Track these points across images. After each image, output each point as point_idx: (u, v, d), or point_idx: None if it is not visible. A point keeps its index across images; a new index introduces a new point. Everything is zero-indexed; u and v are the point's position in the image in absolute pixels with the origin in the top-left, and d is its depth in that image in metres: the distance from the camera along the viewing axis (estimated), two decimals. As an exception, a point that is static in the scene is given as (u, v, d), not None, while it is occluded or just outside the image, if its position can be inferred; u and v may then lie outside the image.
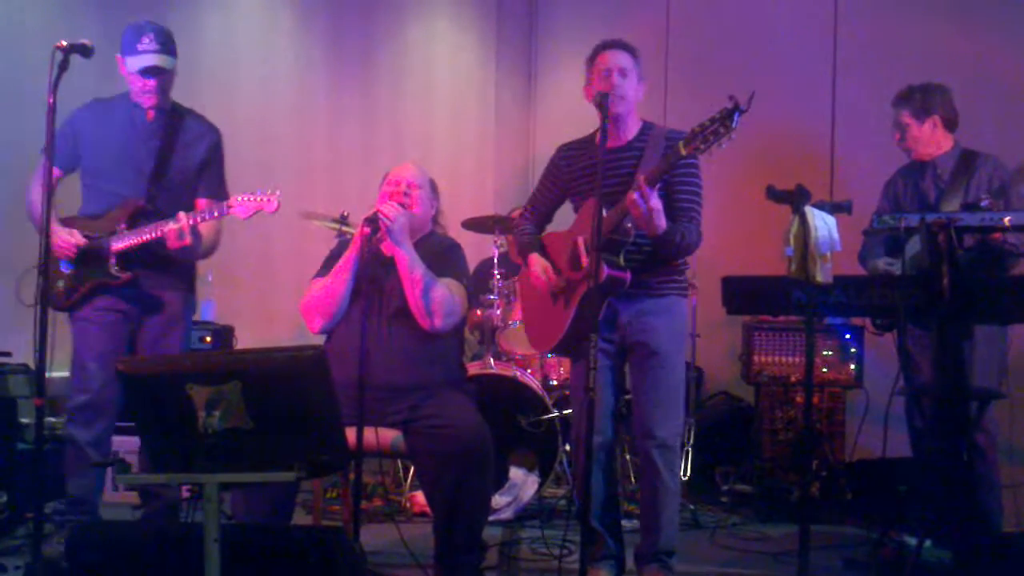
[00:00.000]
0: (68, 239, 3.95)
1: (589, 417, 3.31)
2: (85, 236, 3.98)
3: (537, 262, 3.88)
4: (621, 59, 3.73)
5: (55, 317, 3.63)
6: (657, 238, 3.54)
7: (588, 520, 3.50)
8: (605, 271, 3.50)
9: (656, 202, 3.44)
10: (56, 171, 4.01)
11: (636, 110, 3.81)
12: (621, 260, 3.59)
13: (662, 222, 3.47)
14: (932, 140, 4.33)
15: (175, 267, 4.11)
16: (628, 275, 3.59)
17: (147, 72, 3.96)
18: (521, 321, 5.16)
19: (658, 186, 3.50)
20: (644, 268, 3.67)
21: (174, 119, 4.12)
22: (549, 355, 5.08)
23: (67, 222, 4.04)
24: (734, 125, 3.17)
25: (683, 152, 3.32)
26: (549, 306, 3.87)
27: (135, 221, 3.97)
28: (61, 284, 4.02)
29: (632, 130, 3.79)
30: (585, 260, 3.60)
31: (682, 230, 3.61)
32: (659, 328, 3.72)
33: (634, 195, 3.41)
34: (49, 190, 3.49)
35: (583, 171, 3.82)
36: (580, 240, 3.65)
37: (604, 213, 3.43)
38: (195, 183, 4.07)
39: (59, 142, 3.95)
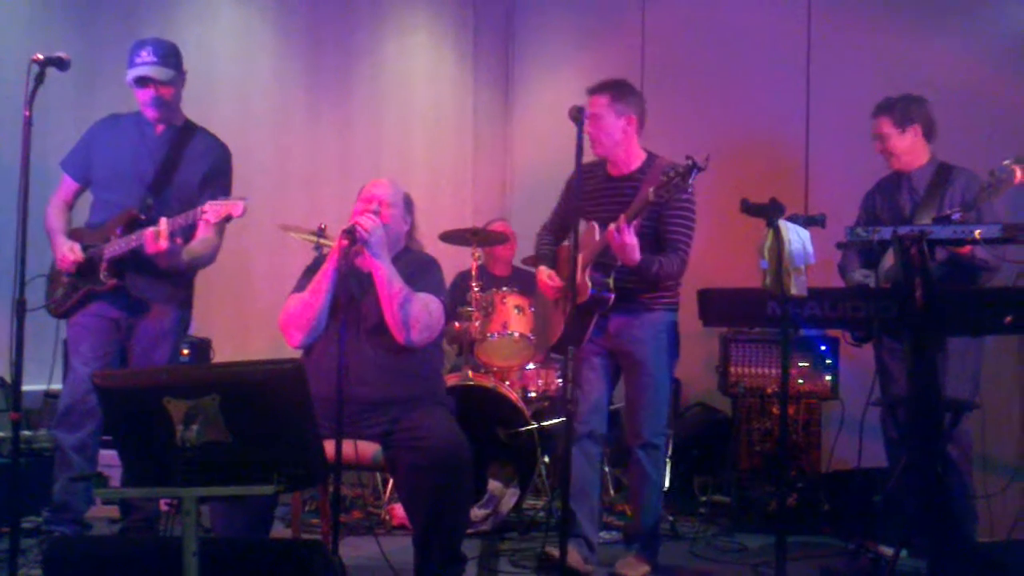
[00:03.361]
0: (68, 256, 4.02)
1: (569, 426, 3.62)
2: (84, 247, 4.04)
3: (543, 271, 4.28)
4: (593, 104, 4.07)
5: (34, 329, 3.63)
6: (633, 268, 3.90)
7: (567, 500, 3.68)
8: (589, 291, 3.90)
9: (630, 238, 3.81)
10: (74, 184, 4.26)
11: (632, 142, 4.13)
12: (611, 282, 3.92)
13: (636, 255, 3.85)
14: (913, 150, 4.36)
15: (171, 280, 4.13)
16: (611, 296, 3.92)
17: (139, 82, 4.07)
18: (500, 333, 5.19)
19: (644, 218, 3.90)
20: (635, 286, 4.02)
21: (183, 134, 4.20)
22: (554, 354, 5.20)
23: (73, 234, 4.13)
24: (691, 180, 3.65)
25: (651, 199, 3.76)
26: (553, 310, 4.30)
27: (129, 229, 4.01)
28: (60, 292, 4.11)
29: (635, 162, 4.14)
30: (579, 277, 3.87)
31: (660, 260, 3.96)
32: (644, 339, 4.08)
33: (612, 229, 3.81)
34: (24, 200, 3.51)
35: (588, 194, 4.13)
36: (579, 257, 3.90)
37: (598, 237, 3.94)
38: (197, 197, 4.06)
39: (76, 154, 4.17)
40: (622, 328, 4.08)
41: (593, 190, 4.16)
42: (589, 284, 3.91)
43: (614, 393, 4.42)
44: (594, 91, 4.11)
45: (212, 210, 3.84)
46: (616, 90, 4.10)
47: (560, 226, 4.38)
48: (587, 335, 4.06)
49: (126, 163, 4.14)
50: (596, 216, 4.05)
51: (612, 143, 4.10)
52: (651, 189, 3.73)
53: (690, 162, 3.58)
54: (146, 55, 4.06)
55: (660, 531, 4.31)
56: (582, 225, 4.13)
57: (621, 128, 4.09)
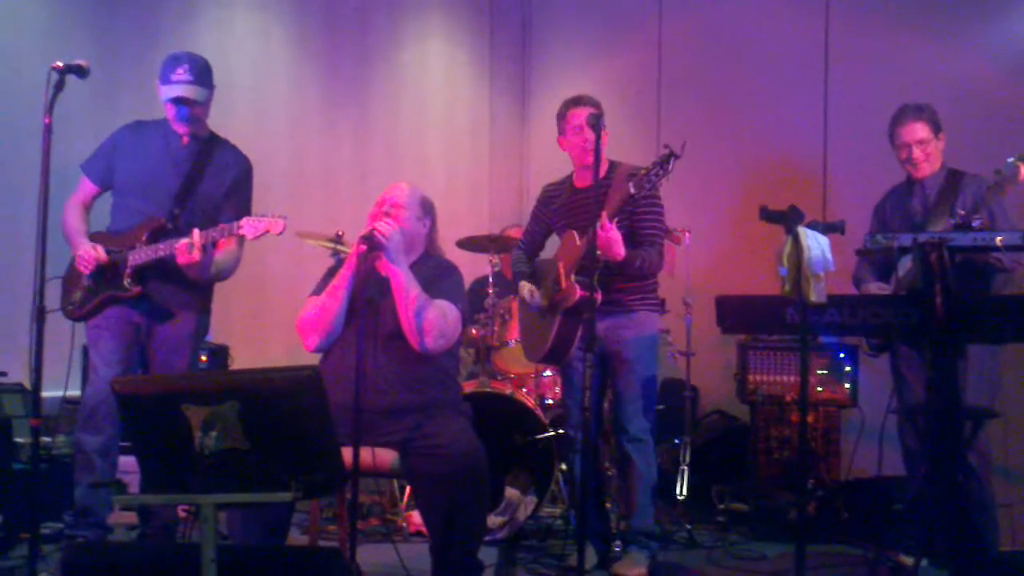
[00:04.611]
0: (91, 252, 4.04)
1: (585, 434, 3.84)
2: (107, 251, 4.07)
3: (524, 286, 4.45)
4: (578, 115, 4.28)
5: (51, 335, 3.64)
6: (619, 263, 4.06)
7: (583, 507, 4.08)
8: (578, 292, 4.04)
9: (615, 233, 3.98)
10: (93, 187, 4.27)
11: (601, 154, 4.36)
12: (594, 282, 3.93)
13: (621, 250, 4.01)
14: (939, 156, 4.33)
15: (191, 287, 4.15)
16: (599, 295, 3.95)
17: (176, 102, 4.11)
18: (516, 340, 5.19)
19: (620, 218, 4.06)
20: (617, 288, 4.23)
21: (208, 146, 4.25)
22: (542, 365, 5.21)
23: (94, 238, 4.15)
24: (670, 168, 3.75)
25: (632, 191, 3.88)
26: (538, 321, 4.38)
27: (155, 237, 4.04)
28: (78, 295, 4.13)
29: (600, 171, 4.24)
30: (564, 283, 4.12)
31: (642, 255, 4.18)
32: (629, 339, 4.28)
33: (598, 227, 3.85)
34: (44, 207, 3.53)
35: (559, 210, 4.47)
36: (560, 265, 4.18)
37: (579, 242, 4.08)
38: (220, 208, 4.13)
39: (98, 158, 4.21)
40: (608, 330, 4.23)
41: (561, 206, 4.44)
42: (577, 287, 4.06)
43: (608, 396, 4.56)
44: (583, 103, 4.36)
45: (249, 226, 3.90)
46: (599, 106, 4.35)
47: (533, 243, 4.65)
48: (577, 340, 4.19)
49: (152, 172, 4.16)
50: (569, 227, 4.25)
51: (583, 152, 4.31)
52: (631, 183, 3.87)
53: (667, 150, 3.72)
54: (183, 73, 4.08)
55: (654, 531, 4.39)
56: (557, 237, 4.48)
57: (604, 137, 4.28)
